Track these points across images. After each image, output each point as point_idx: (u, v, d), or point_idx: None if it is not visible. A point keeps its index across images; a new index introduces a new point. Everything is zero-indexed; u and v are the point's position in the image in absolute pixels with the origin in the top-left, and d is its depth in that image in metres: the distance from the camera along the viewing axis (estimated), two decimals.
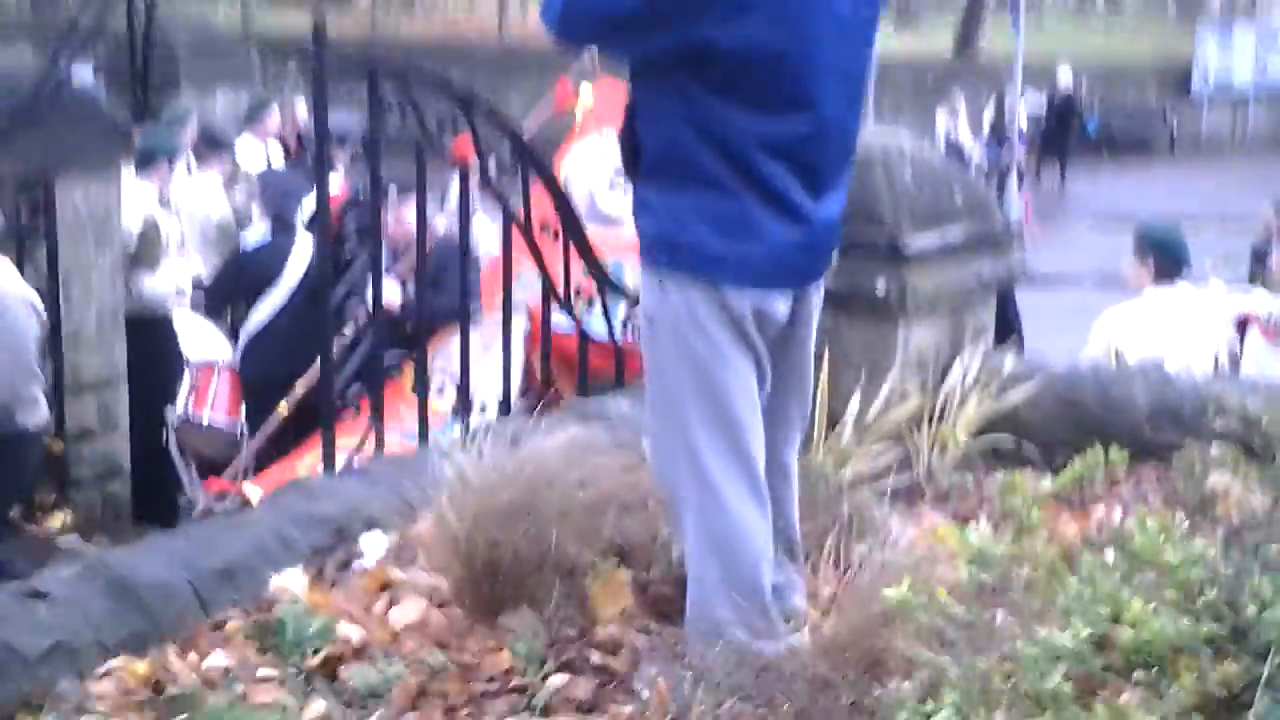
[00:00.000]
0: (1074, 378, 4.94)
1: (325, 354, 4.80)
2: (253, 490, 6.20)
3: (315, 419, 7.08)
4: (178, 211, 8.35)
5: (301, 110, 11.08)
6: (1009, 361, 4.95)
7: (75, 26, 7.24)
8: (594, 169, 7.57)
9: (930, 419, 4.62)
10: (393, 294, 6.75)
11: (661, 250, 3.19)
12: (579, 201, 6.85)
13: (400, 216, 7.02)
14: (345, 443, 6.45)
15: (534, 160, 5.35)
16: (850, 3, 3.12)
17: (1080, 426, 4.63)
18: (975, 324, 5.12)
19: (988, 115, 21.27)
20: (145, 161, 7.97)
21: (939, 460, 4.52)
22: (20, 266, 6.50)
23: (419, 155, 5.07)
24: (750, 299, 3.13)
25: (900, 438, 4.55)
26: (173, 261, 7.64)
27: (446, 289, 6.31)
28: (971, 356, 4.87)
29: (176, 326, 7.53)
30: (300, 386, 6.90)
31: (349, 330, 6.82)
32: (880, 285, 4.77)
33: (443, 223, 7.35)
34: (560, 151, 7.75)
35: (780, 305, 3.19)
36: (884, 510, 3.97)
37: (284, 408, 6.96)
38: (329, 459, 4.49)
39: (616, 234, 6.76)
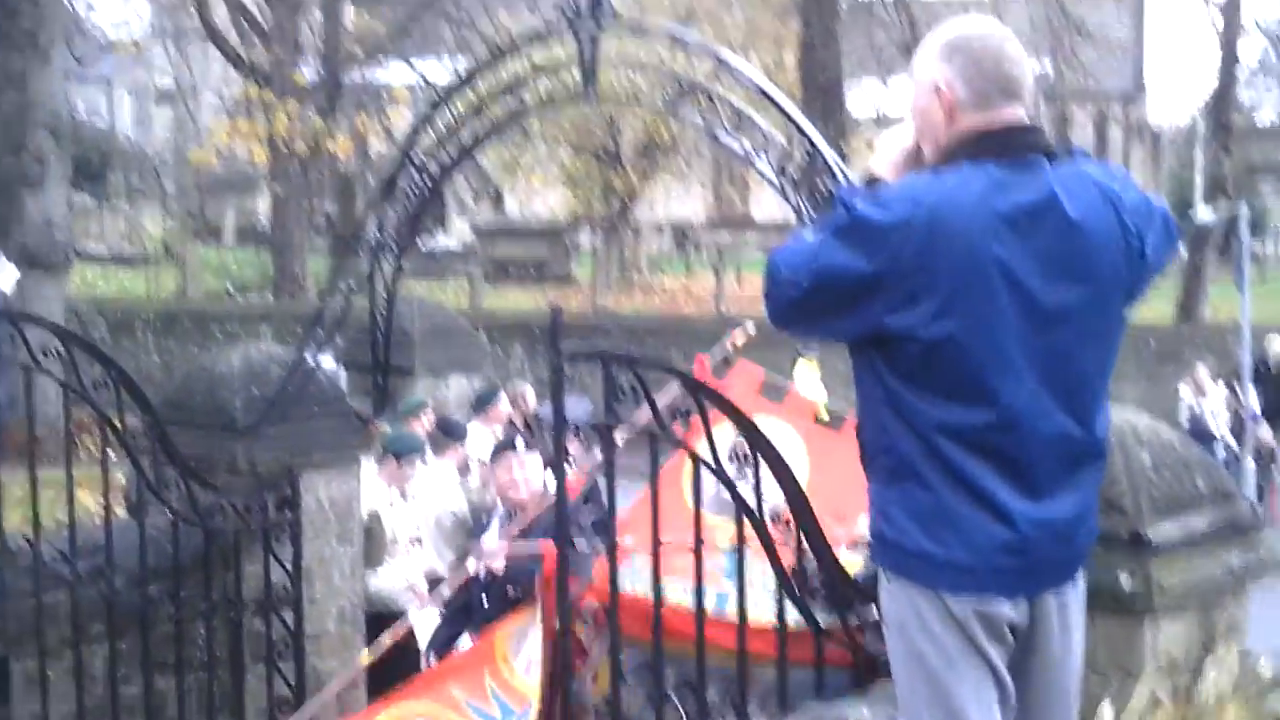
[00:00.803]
0: None
1: (565, 656, 4.81)
2: None
3: (395, 674, 7.05)
4: (415, 503, 8.54)
5: (529, 395, 11.34)
6: (1266, 664, 4.72)
7: (320, 318, 7.56)
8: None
9: None
10: (500, 559, 6.78)
11: (880, 547, 3.19)
12: (705, 490, 6.75)
13: (526, 473, 7.04)
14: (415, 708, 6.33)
15: (765, 448, 5.38)
16: (1049, 289, 3.05)
17: None
18: (1227, 620, 4.91)
19: (1220, 392, 20.09)
20: (382, 457, 8.19)
21: None
22: (266, 565, 6.66)
23: (651, 441, 5.16)
24: (970, 603, 3.06)
25: None
26: (403, 556, 7.74)
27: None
28: (1226, 657, 4.66)
29: (412, 622, 7.55)
30: (387, 638, 6.84)
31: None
32: (1125, 580, 4.62)
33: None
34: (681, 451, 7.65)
35: (1007, 610, 3.09)
36: None
37: (366, 657, 6.83)
38: None
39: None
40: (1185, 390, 19.32)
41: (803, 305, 3.14)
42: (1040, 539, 3.08)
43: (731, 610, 5.42)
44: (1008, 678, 3.13)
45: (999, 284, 3.00)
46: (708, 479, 6.20)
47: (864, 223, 3.03)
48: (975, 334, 3.00)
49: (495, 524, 7.25)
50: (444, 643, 7.34)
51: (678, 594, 5.45)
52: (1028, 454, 3.06)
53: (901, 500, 3.11)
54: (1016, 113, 3.14)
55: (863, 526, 5.90)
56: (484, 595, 6.96)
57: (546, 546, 5.84)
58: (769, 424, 7.11)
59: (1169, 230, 3.31)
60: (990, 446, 3.04)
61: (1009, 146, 3.10)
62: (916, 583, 3.09)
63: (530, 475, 7.05)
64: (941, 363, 3.02)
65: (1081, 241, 3.08)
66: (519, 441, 7.13)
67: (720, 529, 6.41)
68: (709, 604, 5.62)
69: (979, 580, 3.06)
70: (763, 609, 5.41)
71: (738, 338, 7.55)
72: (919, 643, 3.10)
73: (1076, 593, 3.24)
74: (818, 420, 7.07)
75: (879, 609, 3.30)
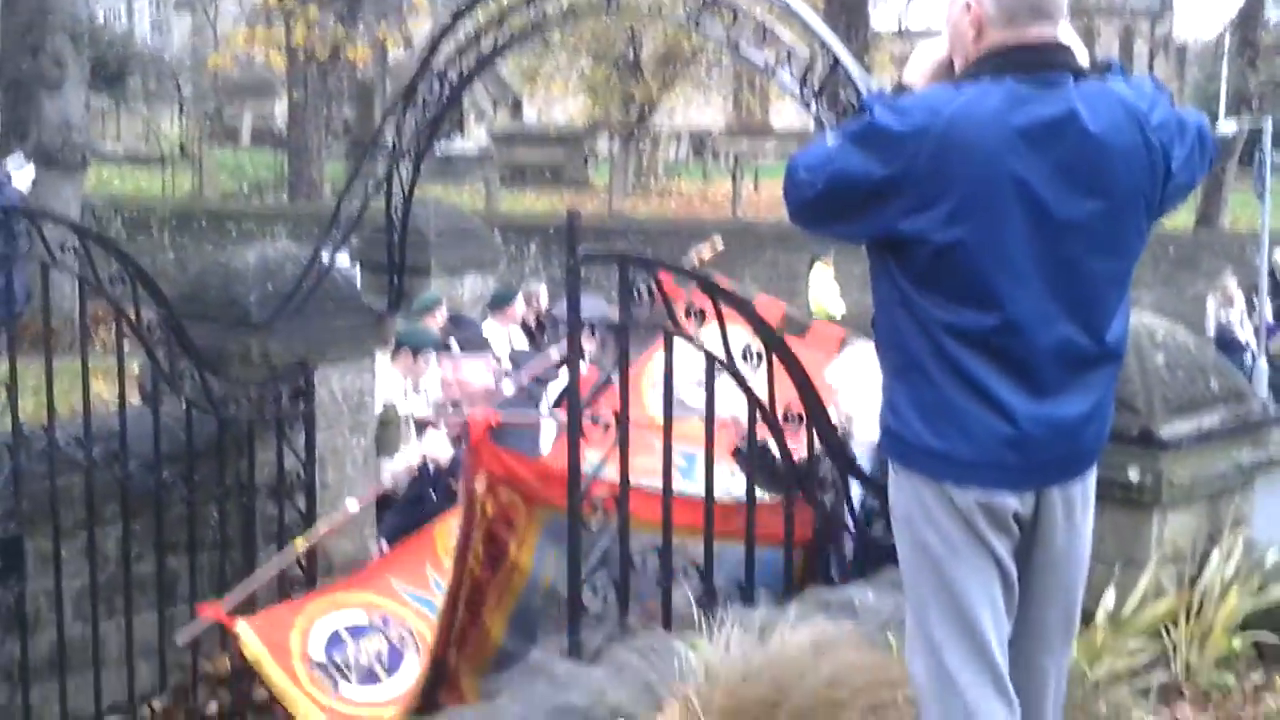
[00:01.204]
0: None
1: (575, 542, 4.86)
2: (245, 629, 5.98)
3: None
4: (426, 395, 8.61)
5: (543, 294, 11.36)
6: (1271, 553, 4.76)
7: (337, 217, 7.57)
8: (681, 364, 7.13)
9: (1188, 614, 4.45)
10: (443, 449, 6.80)
11: (887, 439, 3.23)
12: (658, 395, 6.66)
13: (459, 375, 7.07)
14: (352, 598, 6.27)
15: (779, 348, 5.41)
16: (1063, 202, 3.06)
17: None
18: (1234, 513, 4.95)
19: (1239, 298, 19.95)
20: (396, 349, 8.24)
21: (1198, 658, 4.34)
22: (279, 452, 6.73)
23: (668, 341, 5.20)
24: (973, 494, 3.09)
25: (1157, 633, 4.39)
26: (414, 444, 7.80)
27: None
28: (1231, 547, 4.70)
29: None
30: (323, 526, 6.80)
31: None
32: (1133, 474, 4.65)
33: (509, 386, 7.30)
34: (654, 347, 7.42)
35: (1011, 503, 3.12)
36: (1142, 710, 3.83)
37: (300, 544, 6.76)
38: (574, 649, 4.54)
39: (693, 423, 6.54)
40: (1212, 302, 19.21)
41: (817, 205, 3.19)
42: (1041, 436, 3.10)
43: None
44: (1011, 567, 3.16)
45: (1011, 195, 3.02)
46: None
47: (881, 129, 3.07)
48: (984, 241, 3.02)
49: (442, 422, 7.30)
50: (393, 532, 7.34)
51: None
52: (1031, 357, 3.08)
53: (908, 394, 3.15)
54: (1045, 31, 3.13)
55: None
56: (432, 489, 7.01)
57: (473, 416, 5.78)
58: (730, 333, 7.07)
59: (1204, 144, 3.28)
60: (994, 348, 3.06)
61: (1032, 63, 3.10)
62: (921, 474, 3.13)
63: (465, 376, 7.10)
64: (950, 267, 3.05)
65: (1100, 156, 3.08)
66: (453, 343, 7.19)
67: (684, 431, 6.40)
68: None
69: (981, 474, 3.09)
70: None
71: (705, 251, 7.50)
72: (924, 533, 3.14)
73: (1084, 487, 3.26)
74: (781, 328, 7.05)
75: (890, 501, 3.32)
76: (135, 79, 41.45)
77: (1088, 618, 4.30)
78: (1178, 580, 4.63)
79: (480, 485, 5.26)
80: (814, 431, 5.35)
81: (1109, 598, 4.36)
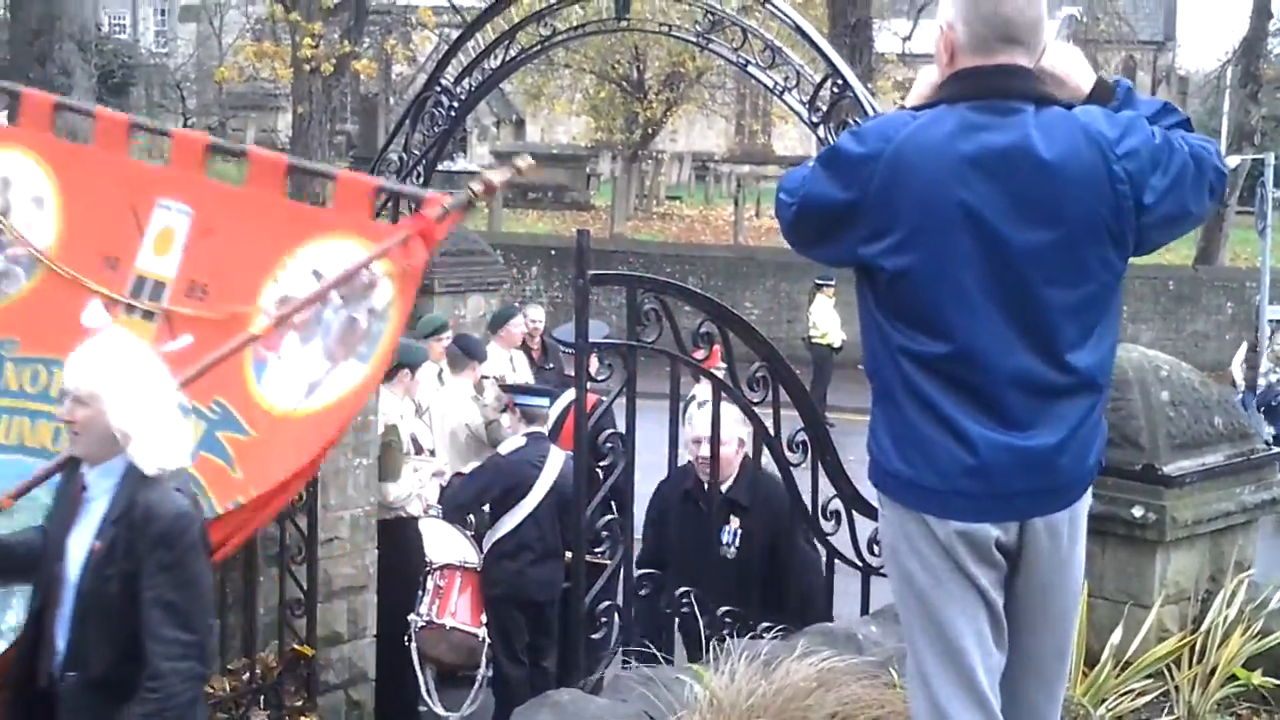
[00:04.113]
0: None
1: (578, 562, 4.86)
2: None
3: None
4: (430, 418, 8.57)
5: (539, 316, 11.30)
6: (1274, 596, 4.76)
7: None
8: None
9: (1191, 655, 4.45)
10: None
11: (872, 468, 3.23)
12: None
13: None
14: None
15: (785, 376, 5.43)
16: (1018, 231, 3.02)
17: None
18: (1237, 553, 4.96)
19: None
20: (391, 372, 8.18)
21: (1200, 700, 4.34)
22: None
23: (673, 365, 5.21)
24: (952, 524, 3.07)
25: (1161, 674, 4.39)
26: (414, 467, 7.75)
27: None
28: (1233, 589, 4.70)
29: (421, 529, 7.59)
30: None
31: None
32: (1137, 511, 4.66)
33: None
34: None
35: (992, 533, 3.08)
36: None
37: None
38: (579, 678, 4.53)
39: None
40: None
41: (796, 228, 3.24)
42: (1005, 466, 3.05)
43: None
44: (996, 598, 3.12)
45: (961, 225, 3.02)
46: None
47: (841, 153, 3.13)
48: (932, 269, 3.04)
49: None
50: None
51: None
52: (989, 386, 3.06)
53: (884, 421, 3.17)
54: (1013, 58, 3.11)
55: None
56: None
57: None
58: None
59: (1201, 172, 3.15)
60: (950, 376, 3.06)
61: (987, 89, 3.09)
62: (902, 504, 3.13)
63: None
64: (902, 294, 3.08)
65: (1053, 184, 3.04)
66: None
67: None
68: None
69: (945, 502, 3.07)
70: None
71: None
72: (908, 563, 3.14)
73: (1072, 518, 3.20)
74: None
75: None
76: (139, 89, 41.49)
77: (1094, 658, 4.31)
78: (1180, 620, 4.64)
79: None
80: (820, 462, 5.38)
81: (1116, 637, 4.36)
